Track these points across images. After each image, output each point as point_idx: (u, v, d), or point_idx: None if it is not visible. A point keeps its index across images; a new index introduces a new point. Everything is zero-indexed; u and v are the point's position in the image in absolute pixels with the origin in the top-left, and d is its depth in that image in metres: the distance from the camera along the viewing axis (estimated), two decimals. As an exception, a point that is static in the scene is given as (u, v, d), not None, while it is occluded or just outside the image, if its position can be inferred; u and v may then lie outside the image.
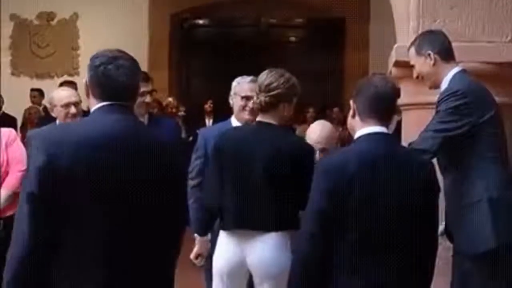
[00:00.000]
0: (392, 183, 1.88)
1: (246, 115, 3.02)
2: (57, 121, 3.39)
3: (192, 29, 9.32)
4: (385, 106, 1.97)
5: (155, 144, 1.73)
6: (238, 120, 3.04)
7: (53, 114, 3.37)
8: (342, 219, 1.85)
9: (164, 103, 7.08)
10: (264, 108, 2.52)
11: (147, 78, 3.30)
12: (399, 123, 3.10)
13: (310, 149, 2.56)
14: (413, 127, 2.67)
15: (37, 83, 7.53)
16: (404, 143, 2.86)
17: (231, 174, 2.50)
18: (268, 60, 8.93)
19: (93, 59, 1.76)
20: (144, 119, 3.27)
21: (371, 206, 1.85)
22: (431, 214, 1.98)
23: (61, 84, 5.89)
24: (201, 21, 9.37)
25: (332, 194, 1.85)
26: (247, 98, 2.99)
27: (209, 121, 7.40)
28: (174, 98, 7.37)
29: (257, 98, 2.53)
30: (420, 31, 2.74)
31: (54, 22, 8.41)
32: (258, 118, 2.58)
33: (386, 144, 1.95)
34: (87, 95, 1.78)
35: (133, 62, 1.78)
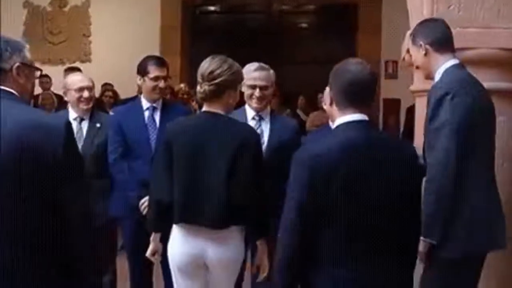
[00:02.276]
0: (375, 172, 1.81)
1: (253, 104, 3.01)
2: (69, 106, 3.42)
3: (203, 15, 9.28)
4: (362, 93, 1.87)
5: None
6: (250, 107, 3.04)
7: (66, 99, 3.41)
8: (324, 210, 1.78)
9: (175, 89, 7.08)
10: (208, 97, 2.45)
11: (161, 63, 3.29)
12: (411, 109, 3.08)
13: (258, 138, 2.52)
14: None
15: (50, 70, 7.54)
16: (417, 129, 2.84)
17: (180, 167, 2.43)
18: (280, 46, 8.93)
19: None
20: (158, 105, 3.28)
21: (354, 196, 1.78)
22: (415, 200, 1.92)
23: (66, 71, 5.93)
24: (212, 8, 9.32)
25: (312, 186, 1.78)
26: (253, 86, 2.97)
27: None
28: (186, 85, 7.37)
29: (200, 87, 2.45)
30: (434, 16, 2.71)
31: (66, 9, 8.43)
32: (204, 108, 2.51)
33: (367, 132, 1.86)
34: None
35: (2, 43, 1.74)
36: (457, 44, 2.48)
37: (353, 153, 1.80)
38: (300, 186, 1.80)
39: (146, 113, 3.25)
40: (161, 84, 3.21)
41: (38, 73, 1.90)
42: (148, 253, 2.69)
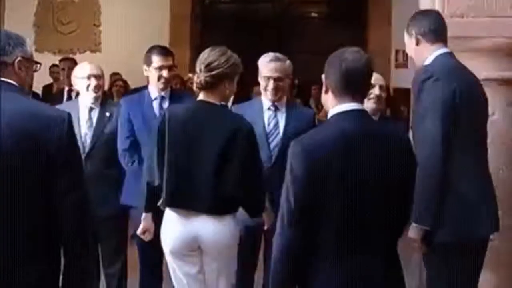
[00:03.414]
0: (372, 162, 1.78)
1: (268, 95, 3.00)
2: (79, 95, 3.44)
3: (213, 5, 9.26)
4: (357, 81, 1.83)
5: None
6: (265, 98, 3.03)
7: (76, 87, 3.42)
8: (320, 202, 1.76)
9: (184, 79, 7.09)
10: (204, 87, 2.49)
11: (165, 52, 3.29)
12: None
13: (250, 128, 2.53)
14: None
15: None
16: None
17: (173, 154, 2.48)
18: (289, 36, 8.90)
19: None
20: (166, 94, 3.28)
21: (351, 187, 1.76)
22: (409, 189, 1.90)
23: (61, 61, 5.95)
24: (222, -3, 9.32)
25: (309, 177, 1.75)
26: (268, 78, 2.96)
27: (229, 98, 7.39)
28: (194, 74, 7.36)
29: (198, 77, 2.50)
30: (445, 7, 2.70)
31: (76, -1, 8.46)
32: (200, 97, 2.55)
33: (362, 121, 1.84)
34: None
35: (4, 38, 1.79)
36: (469, 33, 2.48)
37: (349, 143, 1.78)
38: (296, 179, 1.77)
39: (155, 103, 3.26)
40: (165, 73, 3.21)
41: (37, 66, 1.95)
42: (138, 231, 2.81)
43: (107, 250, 3.43)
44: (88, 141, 3.31)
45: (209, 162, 2.42)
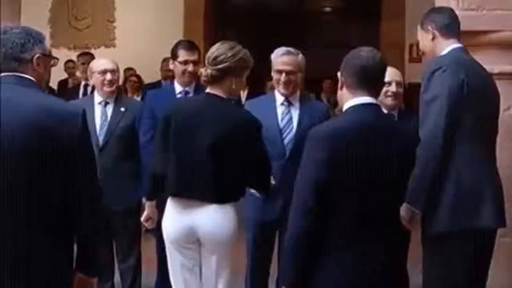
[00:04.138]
0: (385, 153, 1.87)
1: (280, 89, 3.01)
2: (95, 89, 3.47)
3: (227, 0, 9.26)
4: (373, 77, 1.96)
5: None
6: (278, 92, 3.03)
7: (91, 82, 3.46)
8: (338, 190, 1.82)
9: (198, 73, 7.10)
10: (211, 81, 2.51)
11: (190, 47, 3.31)
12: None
13: (255, 123, 2.53)
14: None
15: (75, 55, 7.64)
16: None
17: (176, 143, 2.51)
18: (303, 30, 8.88)
19: None
20: (191, 89, 3.30)
21: (367, 175, 1.83)
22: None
23: (79, 56, 5.99)
24: (236, -8, 9.31)
25: (328, 164, 1.81)
26: (280, 72, 2.97)
27: (243, 92, 7.40)
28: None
29: (205, 70, 2.52)
30: (460, 0, 2.69)
31: (91, -6, 8.51)
32: (207, 90, 2.57)
33: (377, 114, 1.95)
34: None
35: (25, 35, 1.86)
36: (484, 26, 2.48)
37: (367, 132, 1.87)
38: (316, 164, 1.83)
39: (179, 97, 3.28)
40: (190, 68, 3.22)
41: (55, 61, 2.02)
42: (142, 219, 2.88)
43: (122, 244, 3.46)
44: (103, 135, 3.34)
45: (209, 152, 2.44)
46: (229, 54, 2.48)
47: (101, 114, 3.37)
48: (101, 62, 3.45)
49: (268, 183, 2.61)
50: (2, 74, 1.84)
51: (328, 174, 1.81)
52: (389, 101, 3.01)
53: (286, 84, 2.97)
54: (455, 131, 2.28)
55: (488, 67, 2.54)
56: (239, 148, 2.43)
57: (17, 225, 1.73)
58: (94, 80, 3.40)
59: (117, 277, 3.55)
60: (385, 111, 3.14)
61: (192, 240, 2.53)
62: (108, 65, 3.38)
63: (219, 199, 2.46)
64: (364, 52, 1.98)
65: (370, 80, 1.95)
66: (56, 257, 1.80)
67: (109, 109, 3.40)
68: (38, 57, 1.87)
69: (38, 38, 1.89)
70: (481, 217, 2.32)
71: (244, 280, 3.06)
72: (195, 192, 2.48)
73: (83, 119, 1.83)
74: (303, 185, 1.86)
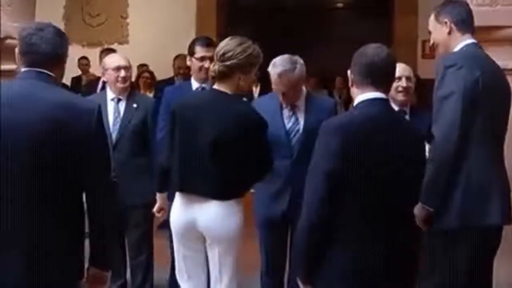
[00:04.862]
0: (395, 147, 1.90)
1: (283, 101, 2.92)
2: (107, 86, 3.50)
3: (239, -4, 9.28)
4: (380, 73, 1.97)
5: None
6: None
7: (104, 78, 3.48)
8: (349, 181, 1.85)
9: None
10: (218, 77, 2.51)
11: (207, 43, 3.30)
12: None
13: (258, 120, 2.52)
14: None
15: (88, 52, 7.69)
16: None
17: (180, 138, 2.53)
18: (315, 26, 8.86)
19: (21, 31, 1.96)
20: (208, 85, 3.30)
21: (378, 169, 1.87)
22: (420, 180, 2.04)
23: (102, 52, 6.01)
24: (248, -12, 9.31)
25: (340, 155, 1.85)
26: (277, 89, 2.87)
27: (255, 89, 7.41)
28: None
29: (213, 66, 2.52)
30: (473, -4, 2.67)
31: (104, -9, 8.56)
32: (214, 86, 2.57)
33: (387, 109, 1.99)
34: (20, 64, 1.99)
35: (58, 33, 1.97)
36: (498, 21, 2.47)
37: (379, 125, 1.91)
38: (329, 155, 1.86)
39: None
40: (207, 64, 3.21)
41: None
42: (154, 209, 2.94)
43: (134, 239, 3.48)
44: (116, 132, 3.37)
45: (211, 148, 2.45)
46: (238, 50, 2.47)
47: (113, 111, 3.40)
48: (114, 58, 3.47)
49: (264, 179, 2.66)
50: (24, 69, 1.94)
51: (339, 163, 1.84)
52: (400, 96, 3.01)
53: (287, 98, 2.92)
54: (469, 129, 2.27)
55: (502, 63, 2.53)
56: (241, 144, 2.44)
57: (31, 211, 1.83)
58: (107, 76, 3.42)
59: (129, 273, 3.57)
60: (396, 107, 3.14)
61: (195, 234, 2.56)
62: (122, 62, 3.41)
63: (220, 195, 2.48)
64: (371, 49, 2.00)
65: (377, 76, 1.96)
66: (68, 244, 1.88)
67: (122, 105, 3.42)
68: (65, 54, 1.98)
69: (65, 37, 2.00)
70: (491, 215, 2.31)
71: (260, 277, 3.09)
72: (196, 188, 2.50)
73: (99, 114, 1.91)
74: (315, 175, 1.89)
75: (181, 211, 2.57)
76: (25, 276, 1.81)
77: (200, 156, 2.47)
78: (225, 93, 2.51)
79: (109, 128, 3.32)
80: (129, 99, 3.44)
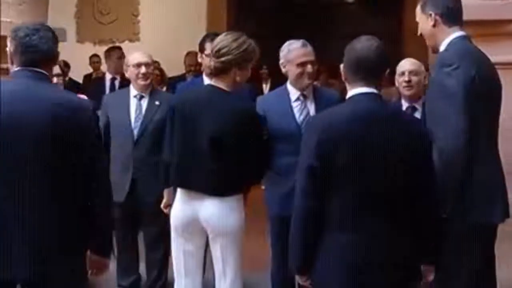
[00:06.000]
0: (382, 141, 1.88)
1: (306, 81, 2.93)
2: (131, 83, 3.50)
3: (249, -9, 9.27)
4: (368, 67, 1.94)
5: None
6: (296, 86, 2.96)
7: (127, 75, 3.49)
8: (332, 175, 1.87)
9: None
10: (214, 73, 2.51)
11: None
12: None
13: (255, 115, 2.52)
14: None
15: (100, 49, 7.74)
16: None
17: (179, 135, 2.55)
18: (326, 21, 8.84)
19: (16, 31, 2.04)
20: None
21: (361, 163, 1.86)
22: (425, 171, 1.95)
23: (107, 50, 6.03)
24: (259, -17, 9.30)
25: (319, 150, 1.87)
26: (303, 64, 2.89)
27: (266, 86, 7.42)
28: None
29: (209, 61, 2.53)
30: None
31: (115, -11, 8.60)
32: (210, 82, 2.58)
33: (374, 103, 1.94)
34: (11, 63, 2.08)
35: (53, 33, 2.09)
36: (508, 15, 2.43)
37: (361, 122, 1.90)
38: (309, 151, 1.90)
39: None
40: None
41: None
42: (162, 205, 2.96)
43: (151, 236, 3.49)
44: (137, 128, 3.37)
45: (208, 144, 2.46)
46: (233, 46, 2.47)
47: (136, 108, 3.41)
48: (135, 55, 3.47)
49: (262, 177, 2.67)
50: (18, 68, 2.03)
51: (319, 160, 1.87)
52: (405, 91, 3.03)
53: (312, 75, 2.93)
54: (473, 130, 2.22)
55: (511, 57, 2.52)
56: (238, 141, 2.44)
57: (38, 196, 1.94)
58: (129, 73, 3.43)
59: (143, 267, 3.60)
60: (406, 103, 3.13)
61: (197, 228, 2.57)
62: (143, 58, 3.42)
63: (218, 192, 2.49)
64: (360, 43, 1.98)
65: (366, 70, 1.94)
66: (70, 228, 2.00)
67: (144, 102, 3.42)
68: (58, 53, 2.11)
69: (56, 37, 2.10)
70: (495, 214, 2.30)
71: (270, 274, 3.09)
72: (195, 184, 2.52)
73: (93, 111, 2.07)
74: (300, 170, 1.94)
75: (182, 206, 2.59)
76: (32, 269, 1.91)
77: (198, 152, 2.49)
78: (222, 89, 2.52)
79: (130, 125, 3.35)
80: (152, 96, 3.44)
